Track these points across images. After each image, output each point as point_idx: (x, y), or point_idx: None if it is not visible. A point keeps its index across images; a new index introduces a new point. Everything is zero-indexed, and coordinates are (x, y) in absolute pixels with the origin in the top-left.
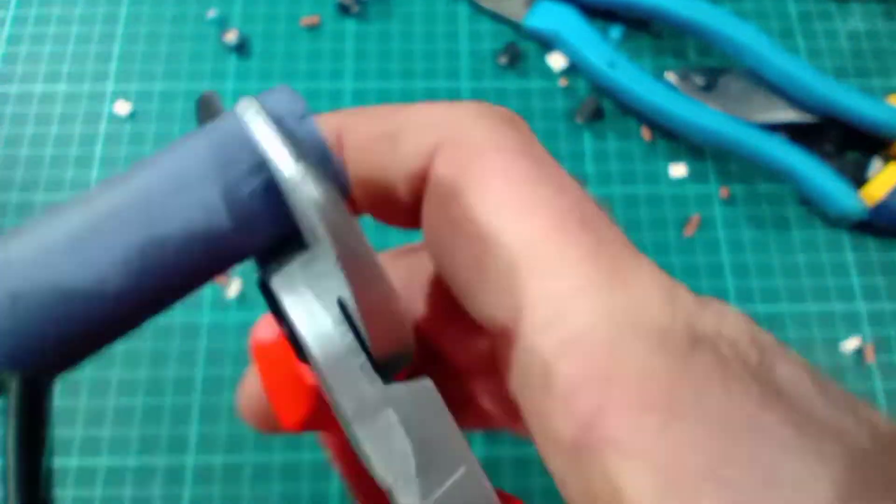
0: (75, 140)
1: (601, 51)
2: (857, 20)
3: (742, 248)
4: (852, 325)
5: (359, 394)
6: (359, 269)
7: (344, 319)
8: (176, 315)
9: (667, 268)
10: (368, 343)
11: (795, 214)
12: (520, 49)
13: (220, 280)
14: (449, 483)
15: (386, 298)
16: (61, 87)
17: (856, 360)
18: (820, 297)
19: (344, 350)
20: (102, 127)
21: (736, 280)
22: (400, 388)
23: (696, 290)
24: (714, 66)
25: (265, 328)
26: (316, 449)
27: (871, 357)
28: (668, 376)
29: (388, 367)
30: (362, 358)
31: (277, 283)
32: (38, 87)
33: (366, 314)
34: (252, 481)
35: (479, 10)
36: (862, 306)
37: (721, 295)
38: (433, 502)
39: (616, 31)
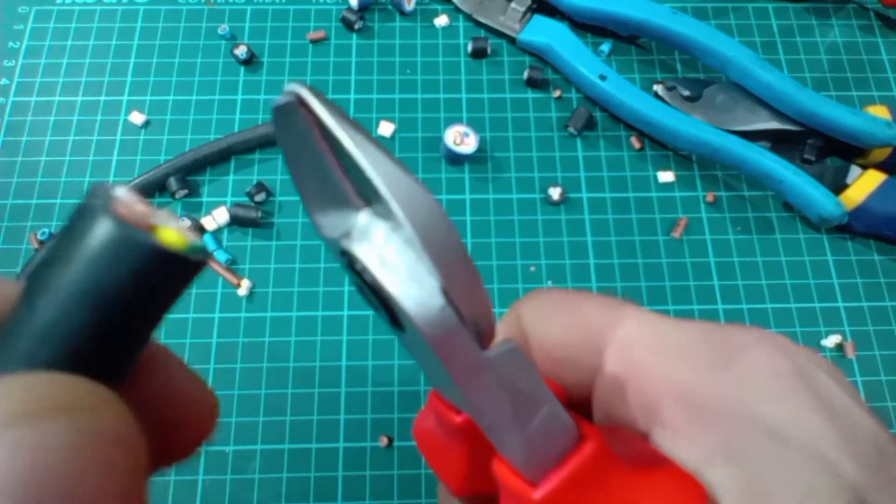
0: (92, 148)
1: (592, 64)
2: (836, 34)
3: (728, 249)
4: (833, 323)
5: (463, 360)
6: (438, 246)
7: (440, 292)
8: (189, 311)
9: (656, 267)
10: (464, 314)
11: (778, 218)
12: (488, 45)
13: (232, 281)
14: (538, 419)
15: (469, 273)
16: (79, 98)
17: (837, 355)
18: (802, 295)
19: (443, 321)
20: (118, 135)
21: (722, 279)
22: (493, 352)
23: (685, 289)
24: (699, 78)
25: (423, 419)
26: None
27: (851, 352)
28: None
29: (482, 336)
30: (460, 328)
31: (363, 252)
32: (57, 98)
33: (456, 289)
34: (262, 470)
35: (477, 25)
36: (842, 305)
37: (708, 293)
38: (528, 435)
39: (606, 46)
